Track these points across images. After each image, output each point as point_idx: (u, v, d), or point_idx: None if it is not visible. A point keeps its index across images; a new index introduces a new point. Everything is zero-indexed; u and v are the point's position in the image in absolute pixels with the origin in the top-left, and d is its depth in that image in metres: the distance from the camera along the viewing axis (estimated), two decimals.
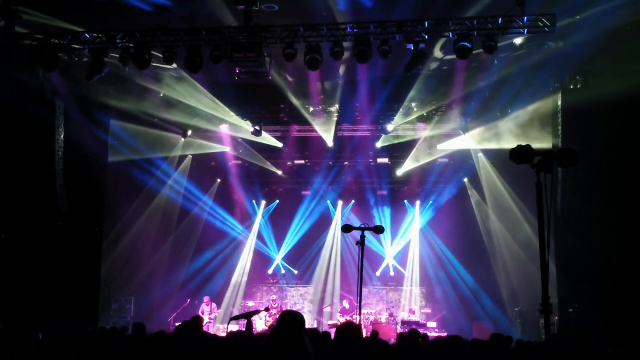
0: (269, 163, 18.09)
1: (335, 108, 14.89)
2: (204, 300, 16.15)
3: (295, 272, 19.62)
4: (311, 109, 14.84)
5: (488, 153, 15.87)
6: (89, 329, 10.36)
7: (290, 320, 3.82)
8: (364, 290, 15.55)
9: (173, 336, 6.40)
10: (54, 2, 10.44)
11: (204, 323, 15.52)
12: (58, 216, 12.92)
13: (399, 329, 14.75)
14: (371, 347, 6.72)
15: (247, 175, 19.07)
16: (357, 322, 6.55)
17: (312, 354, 3.68)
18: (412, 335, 7.51)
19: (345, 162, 18.37)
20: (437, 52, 11.75)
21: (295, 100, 14.13)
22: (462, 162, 17.09)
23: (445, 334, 14.09)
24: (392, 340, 13.37)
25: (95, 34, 10.72)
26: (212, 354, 5.78)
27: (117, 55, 10.87)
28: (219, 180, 19.02)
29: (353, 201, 19.67)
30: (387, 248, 19.25)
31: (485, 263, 17.26)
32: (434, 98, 14.05)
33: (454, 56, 10.50)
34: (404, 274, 19.16)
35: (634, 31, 10.44)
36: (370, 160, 18.08)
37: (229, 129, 16.09)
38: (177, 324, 7.10)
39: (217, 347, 6.05)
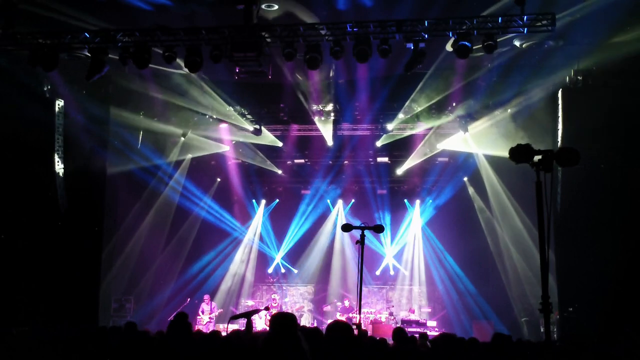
0: (269, 162, 18.09)
1: (335, 107, 14.90)
2: (204, 299, 16.16)
3: (295, 271, 19.61)
4: (311, 108, 14.85)
5: (487, 152, 15.88)
6: (88, 329, 10.35)
7: (284, 320, 3.97)
8: (364, 290, 15.55)
9: (168, 336, 6.40)
10: (54, 1, 10.44)
11: (204, 323, 15.57)
12: (58, 216, 12.92)
13: None
14: (367, 345, 6.73)
15: (247, 175, 19.06)
16: (358, 321, 6.55)
17: (307, 351, 3.77)
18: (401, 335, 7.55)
19: (345, 162, 18.36)
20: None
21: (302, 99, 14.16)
22: (462, 161, 17.09)
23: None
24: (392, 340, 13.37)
25: (95, 34, 10.71)
26: (209, 354, 5.78)
27: (117, 55, 10.88)
28: (218, 179, 19.01)
29: (353, 200, 19.65)
30: (387, 247, 19.23)
31: (486, 263, 17.26)
32: (434, 97, 14.06)
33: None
34: (404, 273, 19.16)
35: (634, 31, 10.44)
36: (370, 159, 18.07)
37: (229, 129, 16.10)
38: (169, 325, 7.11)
39: (214, 347, 6.04)
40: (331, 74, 13.18)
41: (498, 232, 16.53)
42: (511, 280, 16.03)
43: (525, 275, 14.97)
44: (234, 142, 17.01)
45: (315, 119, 15.28)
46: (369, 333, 12.60)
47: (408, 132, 15.88)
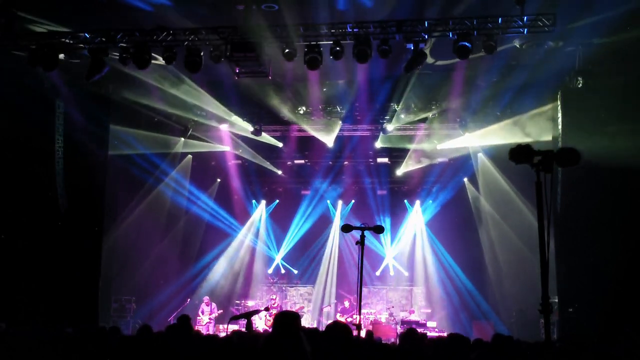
0: (269, 163, 18.10)
1: (336, 108, 14.89)
2: (204, 301, 16.16)
3: (296, 272, 19.61)
4: (311, 109, 14.85)
5: (488, 152, 15.89)
6: (88, 329, 10.34)
7: (287, 320, 3.96)
8: (364, 290, 15.55)
9: (167, 337, 6.40)
10: (54, 1, 10.43)
11: (204, 323, 15.56)
12: (58, 216, 12.90)
13: (399, 329, 14.75)
14: (366, 346, 6.73)
15: (247, 175, 19.07)
16: (358, 322, 6.54)
17: (309, 351, 3.77)
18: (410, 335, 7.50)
19: (345, 162, 18.37)
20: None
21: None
22: (461, 162, 17.10)
23: (445, 333, 14.06)
24: (392, 340, 13.37)
25: (95, 34, 10.71)
26: (209, 355, 5.78)
27: (117, 55, 10.87)
28: (219, 180, 19.03)
29: (353, 201, 19.66)
30: (387, 248, 19.24)
31: (486, 263, 17.25)
32: (434, 98, 14.04)
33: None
34: (404, 273, 19.15)
35: (634, 31, 10.43)
36: (370, 160, 18.08)
37: (229, 129, 16.11)
38: (167, 326, 7.12)
39: (215, 347, 6.04)
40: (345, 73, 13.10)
41: (497, 233, 16.51)
42: (510, 281, 16.01)
43: (525, 275, 14.93)
44: (233, 142, 17.02)
45: (316, 120, 15.28)
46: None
47: (408, 133, 15.88)
